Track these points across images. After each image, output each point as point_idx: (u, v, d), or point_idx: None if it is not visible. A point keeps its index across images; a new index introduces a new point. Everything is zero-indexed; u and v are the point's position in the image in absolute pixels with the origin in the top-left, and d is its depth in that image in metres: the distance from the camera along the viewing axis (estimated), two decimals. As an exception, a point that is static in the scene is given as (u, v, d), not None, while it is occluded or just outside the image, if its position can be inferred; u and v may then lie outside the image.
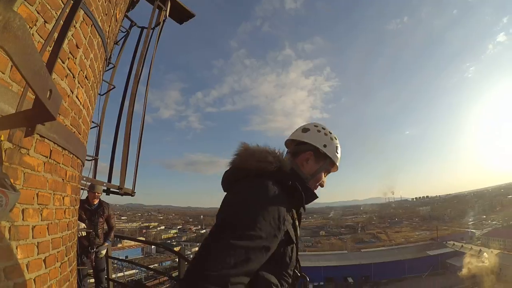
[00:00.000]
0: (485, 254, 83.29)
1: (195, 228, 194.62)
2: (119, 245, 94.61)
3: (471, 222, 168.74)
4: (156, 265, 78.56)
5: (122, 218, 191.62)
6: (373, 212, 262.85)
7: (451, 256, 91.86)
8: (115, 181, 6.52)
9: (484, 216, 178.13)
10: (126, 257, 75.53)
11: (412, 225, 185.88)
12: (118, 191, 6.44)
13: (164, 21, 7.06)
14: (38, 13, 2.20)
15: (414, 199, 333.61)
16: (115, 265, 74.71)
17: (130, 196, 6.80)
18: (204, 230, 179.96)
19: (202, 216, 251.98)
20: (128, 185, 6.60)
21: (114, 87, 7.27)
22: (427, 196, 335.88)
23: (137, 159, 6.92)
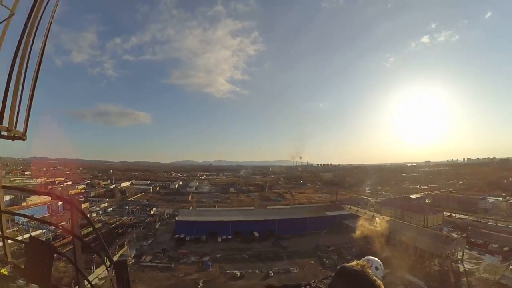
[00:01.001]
0: (377, 219, 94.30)
1: (104, 183, 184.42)
2: (24, 204, 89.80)
3: (367, 191, 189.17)
4: (63, 223, 73.30)
5: (26, 173, 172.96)
6: (280, 173, 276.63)
7: (347, 218, 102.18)
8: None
9: (380, 187, 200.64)
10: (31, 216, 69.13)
11: (315, 188, 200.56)
12: (6, 133, 4.93)
13: None
14: None
15: (319, 165, 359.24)
16: (22, 226, 67.59)
17: (23, 143, 5.30)
18: (114, 185, 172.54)
19: (111, 171, 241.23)
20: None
21: (14, 14, 5.37)
22: (331, 164, 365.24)
23: (30, 97, 5.34)
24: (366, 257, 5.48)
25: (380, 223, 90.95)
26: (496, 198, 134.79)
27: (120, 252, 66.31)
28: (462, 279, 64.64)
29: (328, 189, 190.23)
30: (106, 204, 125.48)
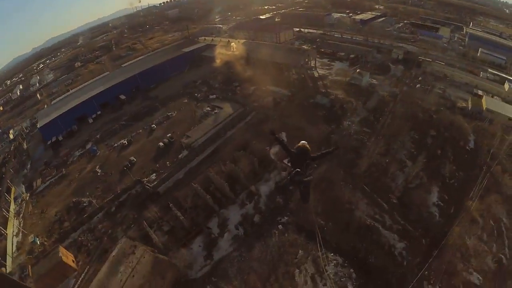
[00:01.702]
0: (232, 44, 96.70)
1: None
2: None
3: (218, 19, 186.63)
4: None
5: None
6: (122, 25, 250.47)
7: (204, 49, 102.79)
8: None
9: (230, 13, 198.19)
10: None
11: (164, 29, 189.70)
12: None
13: None
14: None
15: (162, 4, 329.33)
16: None
17: None
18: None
19: None
20: None
21: None
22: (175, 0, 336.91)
23: None
24: (302, 141, 13.01)
25: (236, 47, 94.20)
26: (341, 14, 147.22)
27: (12, 196, 57.42)
28: (318, 82, 75.57)
29: (178, 26, 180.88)
30: None
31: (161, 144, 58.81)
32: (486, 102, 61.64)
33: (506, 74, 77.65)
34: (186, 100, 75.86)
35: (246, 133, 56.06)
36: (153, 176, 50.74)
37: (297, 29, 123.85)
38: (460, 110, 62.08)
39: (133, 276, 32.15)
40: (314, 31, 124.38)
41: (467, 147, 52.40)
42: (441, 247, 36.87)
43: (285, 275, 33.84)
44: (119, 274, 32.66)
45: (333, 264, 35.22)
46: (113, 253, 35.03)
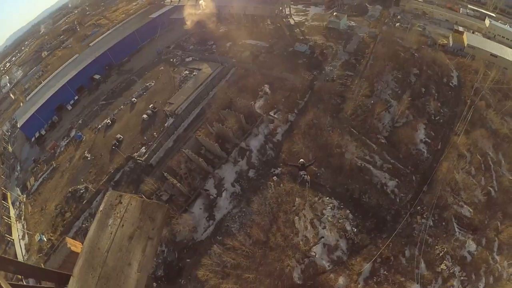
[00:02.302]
0: (201, 1, 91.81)
1: None
2: None
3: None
4: None
5: None
6: (83, 3, 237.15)
7: (173, 12, 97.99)
8: None
9: None
10: None
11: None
12: None
13: None
14: None
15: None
16: None
17: None
18: None
19: None
20: None
21: None
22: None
23: None
24: (301, 159, 30.20)
25: (205, 4, 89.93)
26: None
27: (10, 202, 56.53)
28: (296, 30, 73.75)
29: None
30: None
31: (145, 116, 58.05)
32: (468, 38, 61.72)
33: (486, 10, 77.02)
34: (162, 68, 73.74)
35: (228, 90, 55.47)
36: (143, 150, 50.65)
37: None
38: (442, 47, 62.20)
39: (123, 225, 32.78)
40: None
41: (451, 84, 53.14)
42: (430, 182, 38.40)
43: (286, 223, 35.23)
44: (109, 227, 33.34)
45: (329, 207, 36.55)
46: (100, 208, 35.56)
